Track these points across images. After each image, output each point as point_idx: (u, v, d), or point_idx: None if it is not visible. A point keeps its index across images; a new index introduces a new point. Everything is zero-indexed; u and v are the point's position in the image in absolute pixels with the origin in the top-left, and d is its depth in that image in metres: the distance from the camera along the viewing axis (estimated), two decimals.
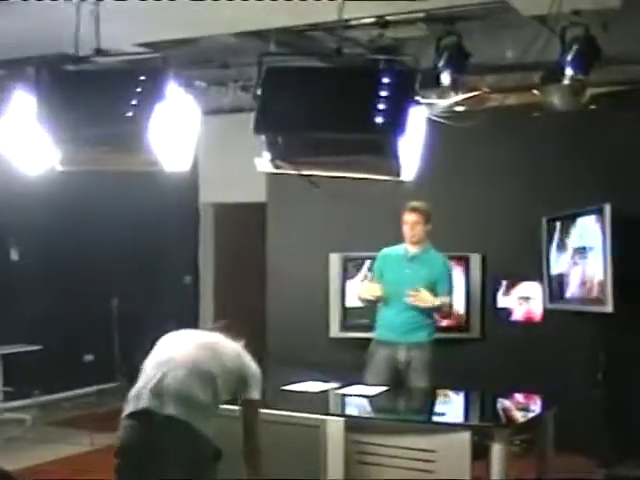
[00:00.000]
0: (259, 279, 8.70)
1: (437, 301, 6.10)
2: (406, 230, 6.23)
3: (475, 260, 7.61)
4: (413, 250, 6.25)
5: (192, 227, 10.16)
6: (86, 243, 8.73)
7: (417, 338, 6.15)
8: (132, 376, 4.32)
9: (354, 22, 5.60)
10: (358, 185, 4.67)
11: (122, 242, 9.03)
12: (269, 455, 4.93)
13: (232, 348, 4.17)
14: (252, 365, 4.23)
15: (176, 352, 4.05)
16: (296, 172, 3.89)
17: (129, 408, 3.91)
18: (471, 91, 6.50)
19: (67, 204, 8.38)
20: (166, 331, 4.32)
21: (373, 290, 6.23)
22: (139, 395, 3.91)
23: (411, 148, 3.82)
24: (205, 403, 3.93)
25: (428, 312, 6.18)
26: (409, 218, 6.20)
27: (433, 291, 6.12)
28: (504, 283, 7.52)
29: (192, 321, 10.04)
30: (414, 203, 6.20)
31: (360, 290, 6.59)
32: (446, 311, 6.35)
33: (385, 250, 6.41)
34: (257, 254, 8.82)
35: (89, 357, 9.27)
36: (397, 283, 6.17)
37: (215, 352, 4.09)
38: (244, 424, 4.19)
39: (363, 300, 6.47)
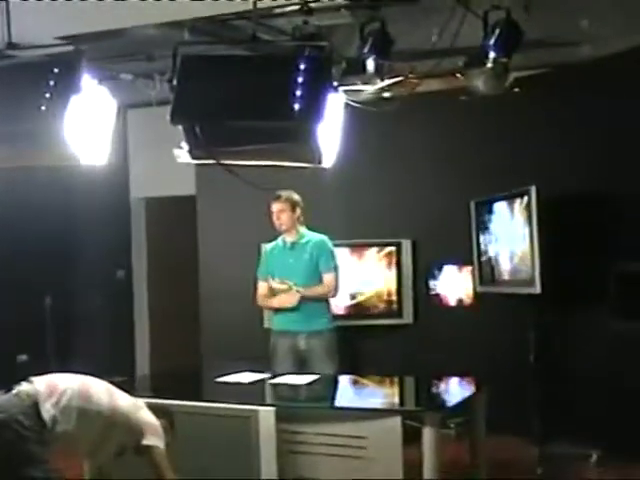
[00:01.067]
0: (192, 272, 8.65)
1: (296, 297, 6.18)
2: (274, 219, 6.31)
3: (406, 246, 7.64)
4: (290, 239, 6.35)
5: (124, 222, 10.03)
6: (17, 240, 8.55)
7: (316, 326, 6.23)
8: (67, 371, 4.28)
9: (278, 10, 5.57)
10: (286, 174, 4.65)
11: (53, 239, 8.87)
12: (202, 447, 4.95)
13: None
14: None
15: None
16: (215, 162, 3.85)
17: None
18: (396, 77, 6.50)
19: None
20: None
21: (288, 299, 6.24)
22: None
23: (330, 134, 3.81)
24: None
25: (323, 301, 6.30)
26: (273, 207, 6.30)
27: (318, 272, 6.24)
28: (435, 268, 7.57)
29: (127, 315, 9.96)
30: (278, 192, 6.27)
31: (267, 301, 6.52)
32: (327, 293, 6.32)
33: (266, 246, 6.58)
34: (189, 247, 8.77)
35: (23, 357, 9.11)
36: (284, 274, 6.27)
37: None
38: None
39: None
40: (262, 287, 6.47)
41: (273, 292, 6.35)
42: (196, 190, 8.48)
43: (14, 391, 3.97)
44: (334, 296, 6.41)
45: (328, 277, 6.26)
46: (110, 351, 9.36)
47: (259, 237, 7.72)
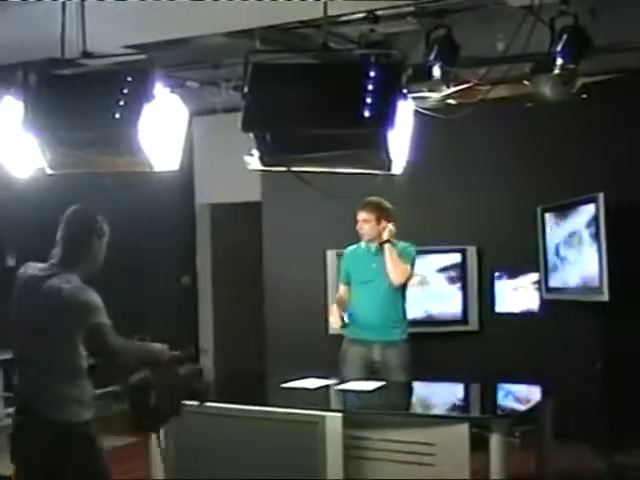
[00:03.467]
0: (257, 278, 8.71)
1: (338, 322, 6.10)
2: (357, 227, 6.19)
3: (471, 252, 7.61)
4: (374, 244, 6.20)
5: (189, 228, 10.16)
6: None
7: (391, 336, 6.09)
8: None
9: (344, 18, 5.60)
10: (352, 181, 4.68)
11: (119, 245, 8.99)
12: (267, 453, 4.99)
13: None
14: None
15: None
16: (285, 169, 3.88)
17: None
18: (462, 84, 6.49)
19: (61, 208, 8.33)
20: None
21: (336, 319, 6.12)
22: None
23: (400, 141, 3.82)
24: None
25: (401, 310, 6.16)
26: (359, 216, 6.16)
27: None
28: (501, 275, 7.53)
29: (191, 321, 10.07)
30: (367, 199, 6.11)
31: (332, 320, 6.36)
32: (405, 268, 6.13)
33: (348, 249, 6.41)
34: (254, 253, 8.83)
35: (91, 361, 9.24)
36: (365, 279, 6.16)
37: None
38: None
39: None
40: (342, 290, 6.36)
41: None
42: (262, 196, 8.53)
43: None
44: (408, 279, 6.19)
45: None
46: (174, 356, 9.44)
47: (324, 244, 7.79)
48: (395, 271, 6.04)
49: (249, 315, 9.33)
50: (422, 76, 5.64)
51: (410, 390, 5.97)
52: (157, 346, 4.14)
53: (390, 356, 6.07)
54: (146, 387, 3.96)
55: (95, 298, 3.94)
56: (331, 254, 7.72)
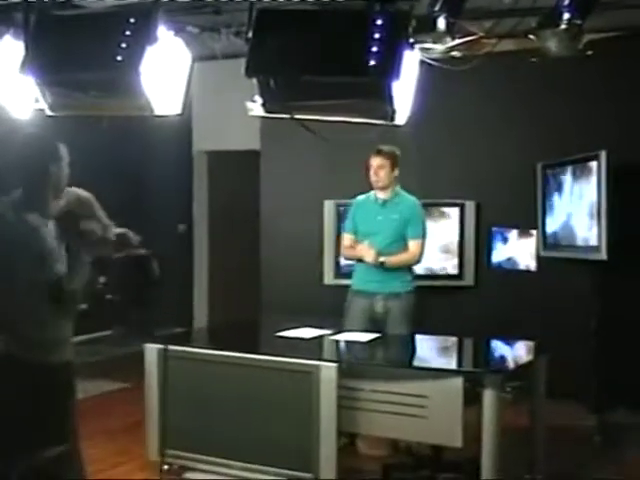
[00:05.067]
0: (253, 227, 8.70)
1: (376, 260, 5.98)
2: (371, 174, 6.12)
3: (469, 207, 7.59)
4: (383, 196, 6.16)
5: (185, 175, 10.10)
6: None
7: (395, 288, 6.08)
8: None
9: None
10: (352, 131, 4.63)
11: (115, 191, 8.96)
12: (261, 401, 5.01)
13: None
14: None
15: None
16: (289, 116, 3.84)
17: None
18: (467, 36, 6.42)
19: None
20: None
21: (368, 254, 6.03)
22: None
23: (405, 92, 3.78)
24: None
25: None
26: (373, 162, 6.09)
27: (405, 235, 6.09)
28: (498, 230, 7.52)
29: (187, 269, 10.06)
30: (380, 146, 6.07)
31: (350, 252, 6.34)
32: (410, 261, 6.17)
33: (358, 198, 6.34)
34: (251, 202, 8.81)
35: (82, 306, 9.24)
36: (370, 231, 6.12)
37: None
38: None
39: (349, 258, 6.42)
40: (347, 239, 6.32)
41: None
42: (260, 145, 8.48)
43: None
44: (417, 263, 6.25)
45: (414, 244, 6.09)
46: (169, 303, 9.47)
47: (322, 193, 7.75)
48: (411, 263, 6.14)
49: (245, 264, 9.33)
50: (426, 27, 5.56)
51: (405, 343, 5.97)
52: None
53: (393, 307, 6.07)
54: None
55: None
56: (328, 204, 7.69)
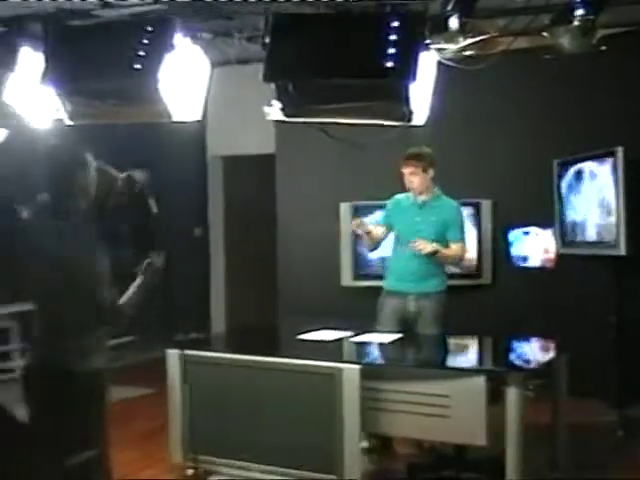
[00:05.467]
0: (269, 230, 8.71)
1: (433, 247, 5.88)
2: (405, 181, 6.07)
3: (486, 206, 7.59)
4: (422, 197, 6.11)
5: (200, 180, 10.13)
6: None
7: (427, 288, 6.04)
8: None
9: None
10: (365, 132, 4.64)
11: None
12: (283, 404, 5.02)
13: None
14: None
15: None
16: (307, 120, 3.86)
17: None
18: (480, 35, 6.42)
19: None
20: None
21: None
22: None
23: (422, 92, 3.80)
24: None
25: (438, 261, 6.05)
26: (404, 169, 6.02)
27: (444, 238, 6.02)
28: (516, 229, 7.50)
29: (204, 273, 10.08)
30: (410, 151, 6.01)
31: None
32: (456, 258, 6.17)
33: (396, 197, 6.27)
34: (266, 206, 8.82)
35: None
36: (407, 232, 6.06)
37: None
38: None
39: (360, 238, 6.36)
40: (376, 226, 6.23)
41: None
42: (276, 148, 8.49)
43: None
44: (460, 262, 6.27)
45: (457, 247, 6.05)
46: (186, 308, 9.50)
47: (337, 195, 7.77)
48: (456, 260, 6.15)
49: (261, 267, 9.34)
50: (439, 27, 5.57)
51: (427, 343, 5.98)
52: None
53: (425, 307, 6.04)
54: None
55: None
56: (344, 207, 7.71)
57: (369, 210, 7.38)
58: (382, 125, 4.00)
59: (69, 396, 3.87)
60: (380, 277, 6.52)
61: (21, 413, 4.03)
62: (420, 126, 3.91)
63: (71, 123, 4.21)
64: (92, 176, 4.00)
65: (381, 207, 6.51)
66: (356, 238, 6.55)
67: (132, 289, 4.02)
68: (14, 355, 8.76)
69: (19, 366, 8.50)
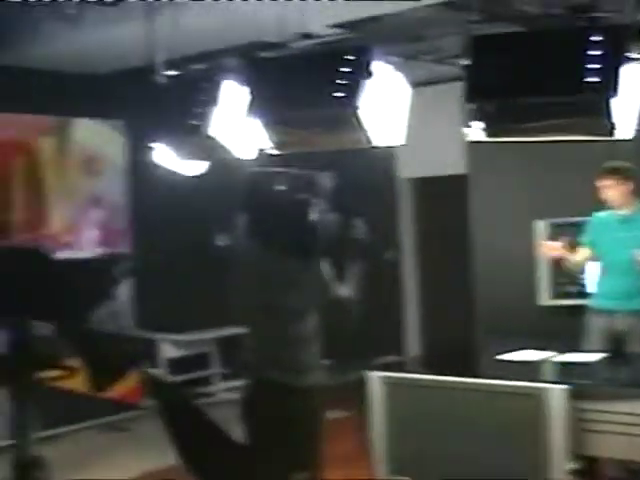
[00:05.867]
0: (462, 251, 8.67)
1: None
2: (602, 196, 5.99)
3: None
4: (622, 212, 5.99)
5: (391, 203, 10.22)
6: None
7: (636, 305, 5.87)
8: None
9: None
10: (559, 149, 4.58)
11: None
12: (484, 426, 4.97)
13: None
14: None
15: None
16: (509, 139, 3.86)
17: None
18: None
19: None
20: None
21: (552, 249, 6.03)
22: None
23: (628, 106, 3.72)
24: None
25: None
26: (600, 183, 5.96)
27: None
28: None
29: (396, 295, 10.14)
30: (605, 166, 5.93)
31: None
32: None
33: (596, 214, 6.17)
34: (458, 226, 8.79)
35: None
36: (612, 249, 5.94)
37: None
38: None
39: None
40: (582, 252, 6.15)
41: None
42: (468, 168, 8.44)
43: None
44: None
45: None
46: (380, 331, 9.56)
47: (532, 215, 7.66)
48: None
49: (457, 288, 9.30)
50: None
51: (636, 361, 5.79)
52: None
53: (634, 325, 5.89)
54: None
55: None
56: (540, 224, 7.59)
57: (567, 228, 7.23)
58: (585, 141, 3.94)
59: (292, 413, 3.98)
60: (579, 295, 6.39)
61: (237, 434, 4.17)
62: (628, 140, 3.82)
63: (276, 152, 4.35)
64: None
65: (577, 224, 6.38)
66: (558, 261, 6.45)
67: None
68: (214, 379, 9.09)
69: (219, 390, 8.84)
